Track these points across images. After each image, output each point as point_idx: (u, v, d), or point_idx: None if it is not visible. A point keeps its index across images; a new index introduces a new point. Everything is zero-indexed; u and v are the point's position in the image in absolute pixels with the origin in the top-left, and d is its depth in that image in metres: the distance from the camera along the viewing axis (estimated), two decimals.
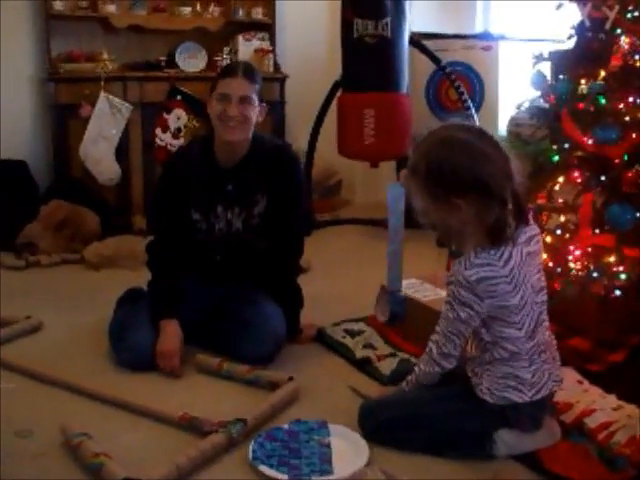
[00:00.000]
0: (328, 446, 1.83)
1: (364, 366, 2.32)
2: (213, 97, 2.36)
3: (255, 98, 2.35)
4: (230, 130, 2.33)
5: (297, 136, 4.45)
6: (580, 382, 2.07)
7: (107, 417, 2.02)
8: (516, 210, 1.69)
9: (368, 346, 2.45)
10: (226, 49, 4.41)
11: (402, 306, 2.17)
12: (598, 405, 1.93)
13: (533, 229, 1.78)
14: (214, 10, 4.40)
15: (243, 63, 2.54)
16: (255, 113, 2.37)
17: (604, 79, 2.29)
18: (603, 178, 2.26)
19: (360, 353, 2.40)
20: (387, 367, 2.26)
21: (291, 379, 2.14)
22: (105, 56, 4.09)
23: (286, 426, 1.91)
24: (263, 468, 1.73)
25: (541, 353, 1.77)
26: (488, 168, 1.64)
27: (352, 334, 2.55)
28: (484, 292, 1.68)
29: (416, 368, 1.90)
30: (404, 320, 2.27)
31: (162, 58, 4.30)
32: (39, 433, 1.92)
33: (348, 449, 1.81)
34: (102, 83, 3.99)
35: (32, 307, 2.83)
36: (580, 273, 2.24)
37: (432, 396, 1.84)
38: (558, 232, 2.33)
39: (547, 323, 1.81)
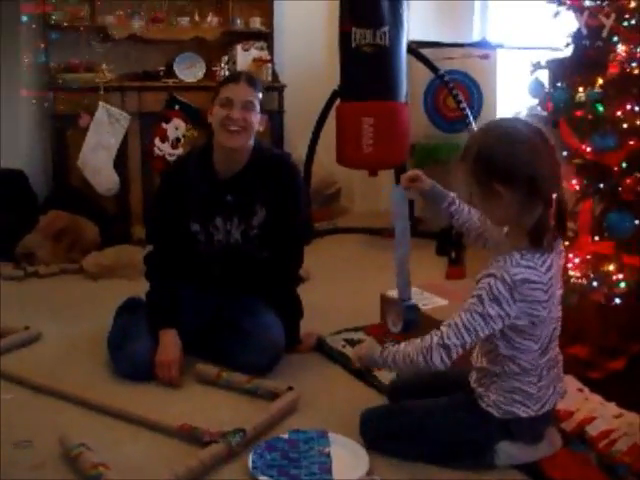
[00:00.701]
0: (328, 456, 1.82)
1: (364, 375, 2.31)
2: (215, 103, 2.36)
3: (257, 105, 2.36)
4: (231, 135, 2.32)
5: (296, 145, 4.44)
6: (580, 390, 2.06)
7: (106, 427, 2.01)
8: (558, 218, 1.67)
9: None
10: (224, 59, 4.41)
11: (415, 313, 2.11)
12: (599, 413, 1.92)
13: (560, 242, 1.76)
14: (212, 20, 4.40)
15: (245, 72, 2.56)
16: (257, 120, 2.37)
17: (602, 87, 2.29)
18: (602, 185, 2.26)
19: None
20: (386, 376, 2.26)
21: (291, 389, 2.14)
22: (104, 66, 4.09)
23: (286, 436, 1.91)
24: (263, 478, 1.72)
25: (550, 369, 1.76)
26: (540, 168, 1.62)
27: (352, 343, 2.55)
28: (520, 294, 1.64)
29: (402, 345, 1.77)
30: (419, 326, 2.23)
31: (160, 68, 4.31)
32: (38, 444, 1.91)
33: (348, 458, 1.80)
34: (101, 93, 4.00)
35: (31, 317, 2.82)
36: (580, 281, 2.24)
37: (434, 406, 1.83)
38: None
39: (557, 340, 1.79)
